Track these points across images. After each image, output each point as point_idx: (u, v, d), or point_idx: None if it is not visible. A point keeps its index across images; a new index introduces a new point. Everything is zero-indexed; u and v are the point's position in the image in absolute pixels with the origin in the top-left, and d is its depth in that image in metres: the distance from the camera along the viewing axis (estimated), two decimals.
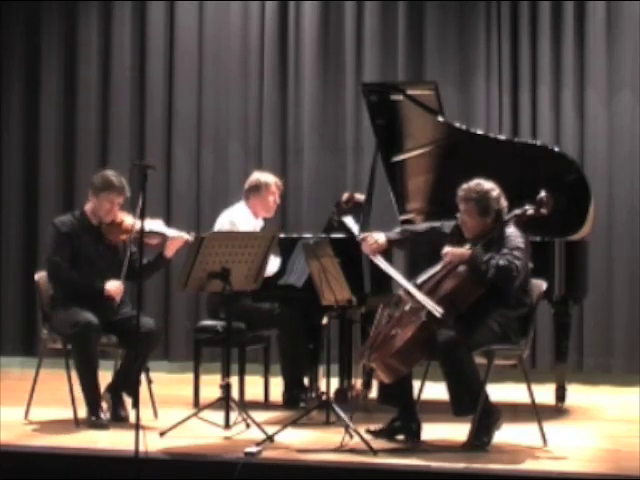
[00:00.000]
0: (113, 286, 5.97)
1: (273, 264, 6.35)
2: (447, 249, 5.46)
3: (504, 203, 5.54)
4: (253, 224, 6.84)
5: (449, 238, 5.60)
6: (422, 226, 5.88)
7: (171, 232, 6.06)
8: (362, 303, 6.23)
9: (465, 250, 5.42)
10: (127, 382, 5.86)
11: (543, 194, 5.64)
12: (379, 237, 5.69)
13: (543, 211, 5.63)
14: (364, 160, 8.33)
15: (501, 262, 5.30)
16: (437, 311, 5.23)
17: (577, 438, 5.75)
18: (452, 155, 6.90)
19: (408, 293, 5.44)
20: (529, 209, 5.61)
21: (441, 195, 6.98)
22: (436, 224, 5.79)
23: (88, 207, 6.16)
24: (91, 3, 9.19)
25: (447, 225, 5.71)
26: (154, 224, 5.98)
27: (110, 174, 6.15)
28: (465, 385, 5.26)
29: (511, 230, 5.49)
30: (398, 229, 5.93)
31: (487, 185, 5.53)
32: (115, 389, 6.02)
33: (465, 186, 5.55)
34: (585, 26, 8.41)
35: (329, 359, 6.00)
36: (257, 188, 6.89)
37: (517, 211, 5.60)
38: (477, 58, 8.57)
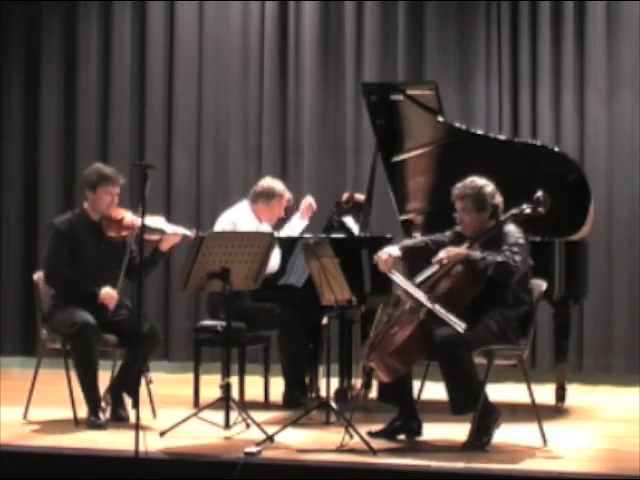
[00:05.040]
0: (107, 294, 5.96)
1: (274, 258, 6.34)
2: (443, 251, 5.46)
3: (499, 199, 5.56)
4: (255, 227, 6.82)
5: (448, 244, 5.61)
6: (420, 239, 5.84)
7: (169, 228, 6.07)
8: (362, 303, 6.23)
9: (461, 249, 5.43)
10: (128, 383, 5.86)
11: (540, 193, 5.66)
12: (391, 250, 5.61)
13: (540, 210, 5.65)
14: (364, 160, 8.33)
15: (499, 258, 5.31)
16: (460, 326, 5.22)
17: (577, 438, 5.75)
18: (452, 155, 6.90)
19: (408, 293, 5.44)
20: (526, 208, 5.63)
21: (441, 195, 6.99)
22: (433, 237, 5.77)
23: (87, 205, 6.17)
24: (91, 3, 9.19)
25: (445, 235, 5.72)
26: (154, 221, 5.98)
27: (100, 167, 6.20)
28: (463, 384, 5.26)
29: (510, 227, 5.50)
30: (407, 240, 5.85)
31: (481, 181, 5.56)
32: (116, 389, 6.02)
33: (459, 185, 5.57)
34: (585, 26, 8.41)
35: (329, 359, 6.00)
36: (269, 196, 6.86)
37: (514, 210, 5.62)
38: (477, 58, 8.57)
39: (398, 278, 5.46)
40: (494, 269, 5.30)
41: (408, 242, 5.76)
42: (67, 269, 6.02)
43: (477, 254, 5.36)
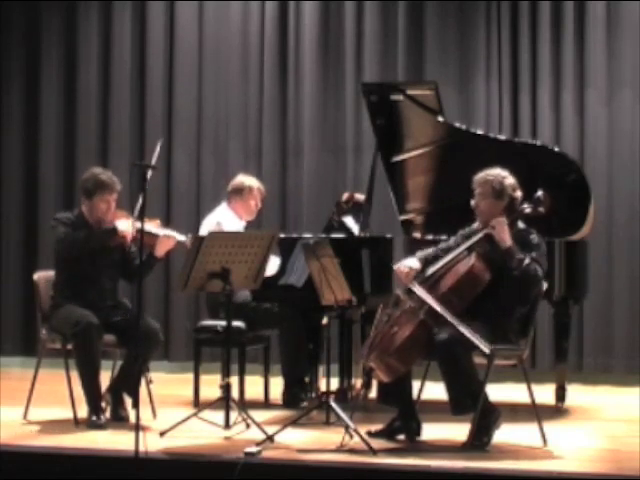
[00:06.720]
0: (124, 225, 5.93)
1: (273, 264, 6.36)
2: (498, 221, 5.45)
3: (519, 193, 5.58)
4: (237, 225, 6.90)
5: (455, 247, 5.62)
6: (431, 249, 5.84)
7: (163, 232, 6.06)
8: (362, 303, 6.23)
9: (508, 237, 5.43)
10: (128, 383, 5.86)
11: (540, 193, 5.67)
12: (411, 263, 5.60)
13: (540, 210, 5.65)
14: (364, 160, 8.33)
15: (533, 270, 5.38)
16: (486, 347, 5.24)
17: (577, 438, 5.75)
18: (452, 155, 6.90)
19: (409, 292, 5.44)
20: (527, 208, 5.64)
21: (441, 195, 7.00)
22: (441, 246, 5.77)
23: (84, 208, 6.16)
24: (91, 3, 9.20)
25: (451, 240, 5.72)
26: (149, 225, 5.97)
27: (98, 173, 6.14)
28: (463, 384, 5.26)
29: (538, 238, 5.53)
30: (420, 252, 5.85)
31: (504, 172, 5.60)
32: (116, 389, 6.02)
33: (482, 172, 5.60)
34: (585, 26, 8.41)
35: (329, 359, 5.99)
36: (240, 191, 6.97)
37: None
38: (477, 58, 8.57)
39: (421, 292, 5.42)
40: (521, 274, 5.37)
41: (422, 253, 5.73)
42: (73, 233, 5.98)
43: (517, 252, 5.39)
